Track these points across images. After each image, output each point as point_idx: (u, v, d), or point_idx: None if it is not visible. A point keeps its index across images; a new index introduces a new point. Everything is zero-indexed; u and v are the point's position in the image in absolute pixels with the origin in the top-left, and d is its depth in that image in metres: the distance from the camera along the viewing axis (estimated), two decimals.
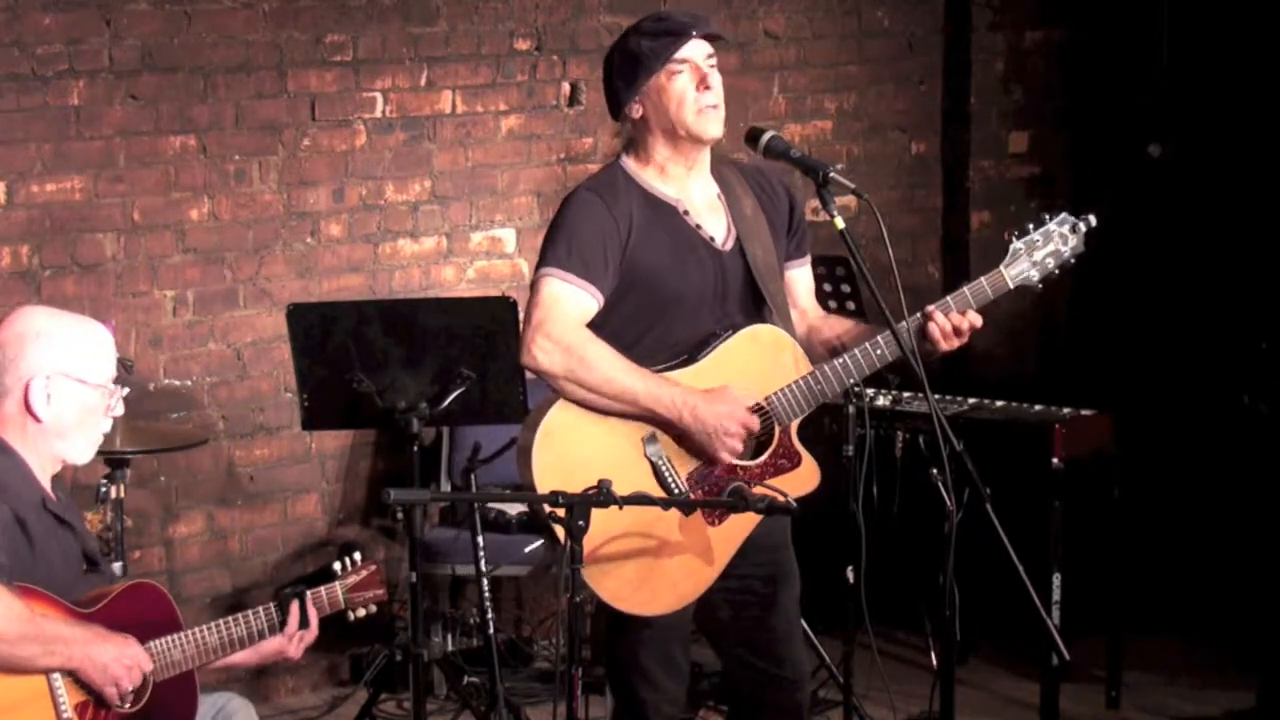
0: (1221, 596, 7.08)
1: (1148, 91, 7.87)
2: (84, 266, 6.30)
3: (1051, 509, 6.18)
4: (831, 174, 4.44)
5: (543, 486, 4.36)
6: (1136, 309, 7.89)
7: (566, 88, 7.18)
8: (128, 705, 4.18)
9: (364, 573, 4.57)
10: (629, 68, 4.47)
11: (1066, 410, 6.34)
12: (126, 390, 4.40)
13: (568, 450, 4.40)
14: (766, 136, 4.56)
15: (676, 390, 4.40)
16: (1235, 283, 7.61)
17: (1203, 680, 6.75)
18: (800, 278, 4.74)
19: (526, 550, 6.41)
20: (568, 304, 4.41)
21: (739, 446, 4.44)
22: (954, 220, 8.13)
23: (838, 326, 4.69)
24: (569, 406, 4.42)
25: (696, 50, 4.49)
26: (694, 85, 4.48)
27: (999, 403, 6.48)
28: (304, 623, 4.44)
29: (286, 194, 6.65)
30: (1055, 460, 6.17)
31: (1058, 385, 7.28)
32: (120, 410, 4.40)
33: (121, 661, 4.15)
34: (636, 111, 4.51)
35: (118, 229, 6.35)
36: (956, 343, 4.52)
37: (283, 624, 4.41)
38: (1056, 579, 6.15)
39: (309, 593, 4.47)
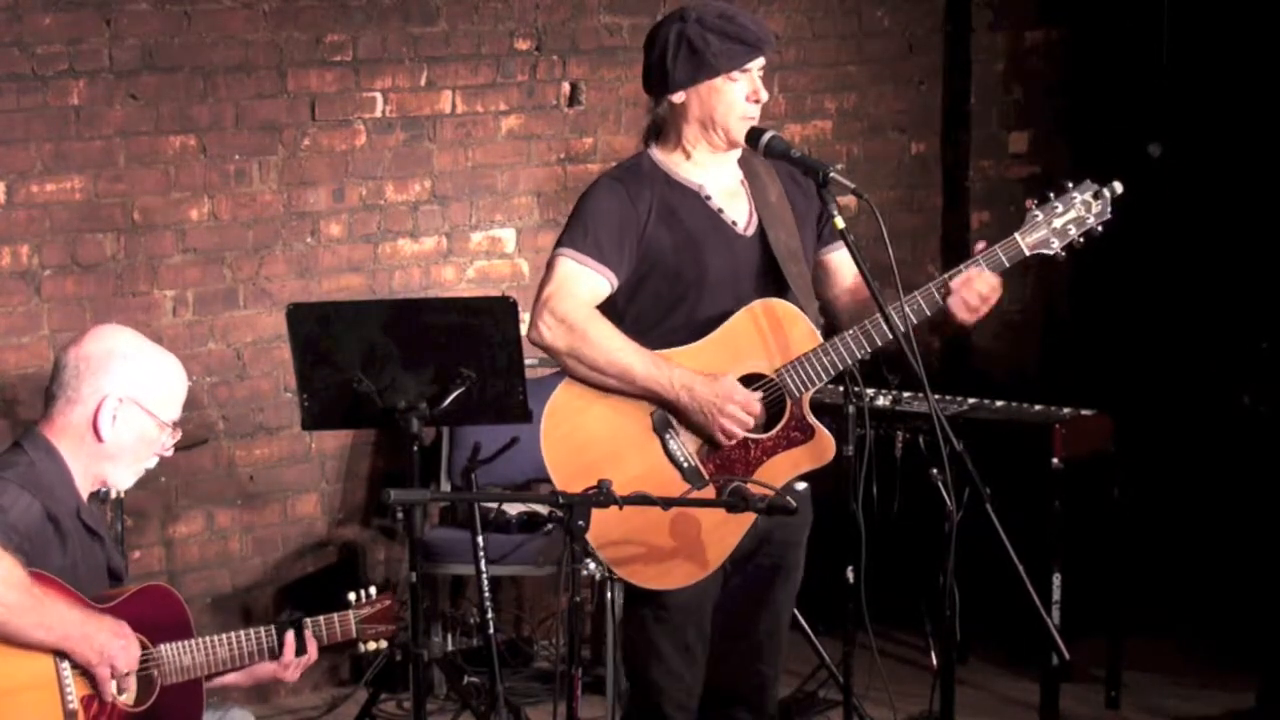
0: (1221, 596, 7.08)
1: (1148, 91, 7.87)
2: (84, 266, 6.30)
3: (1051, 509, 6.18)
4: (832, 174, 4.46)
5: (552, 465, 4.44)
6: (1136, 309, 7.88)
7: (566, 88, 7.18)
8: (124, 696, 4.18)
9: (379, 605, 4.57)
10: (691, 60, 4.50)
11: (1066, 410, 6.34)
12: (180, 435, 4.43)
13: (575, 428, 4.46)
14: (767, 136, 4.57)
15: (676, 371, 4.44)
16: (1235, 283, 7.61)
17: (1203, 680, 6.75)
18: (843, 259, 4.75)
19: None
20: (577, 283, 4.46)
21: (736, 429, 4.46)
22: (954, 220, 8.13)
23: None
24: (574, 384, 4.48)
25: (757, 63, 4.55)
26: (745, 95, 4.53)
27: (999, 403, 6.48)
28: (301, 649, 4.43)
29: (286, 194, 6.65)
30: (1055, 460, 6.17)
31: (1058, 385, 7.28)
32: (170, 453, 4.43)
33: (116, 641, 4.14)
34: (679, 98, 4.54)
35: (118, 229, 6.35)
36: (984, 311, 4.54)
37: (279, 650, 4.42)
38: (1056, 579, 6.15)
39: (310, 620, 4.45)
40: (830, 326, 4.68)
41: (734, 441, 4.49)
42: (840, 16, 7.81)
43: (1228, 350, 7.45)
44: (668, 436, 4.47)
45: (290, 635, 4.41)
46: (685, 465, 4.46)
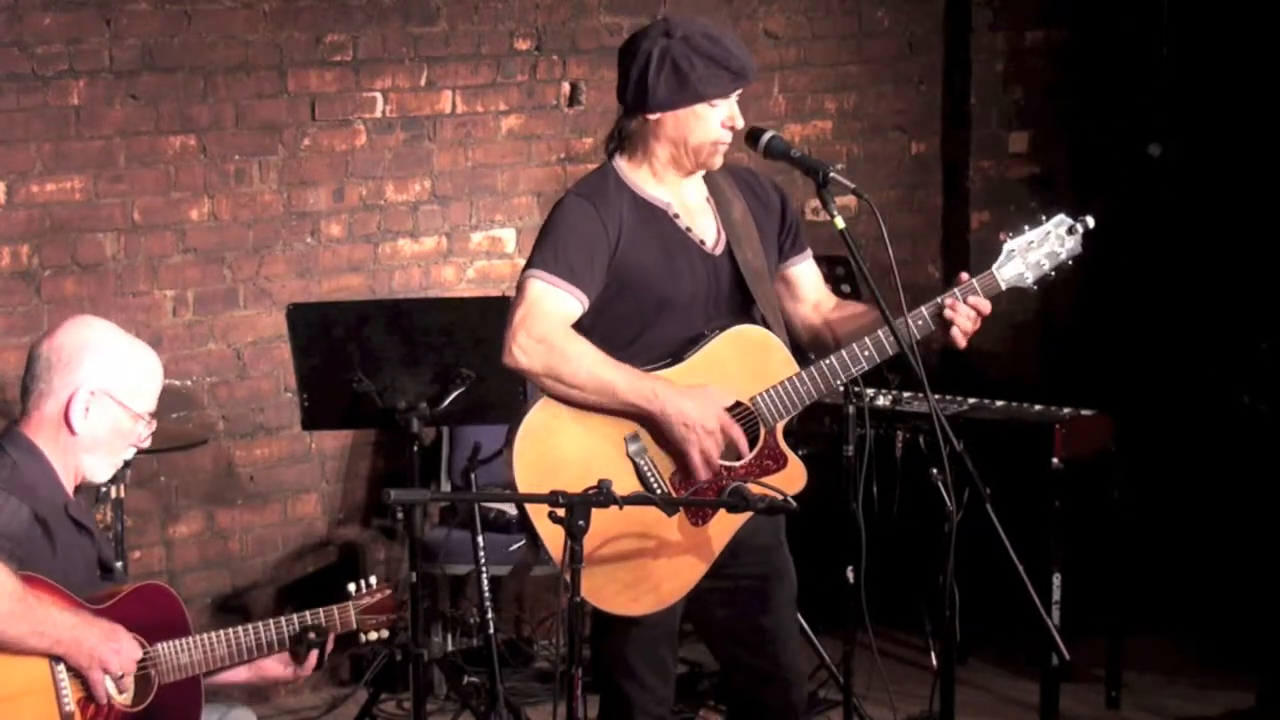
0: (1221, 596, 7.08)
1: (1148, 91, 7.87)
2: (84, 266, 6.30)
3: (1051, 509, 6.18)
4: (832, 174, 4.44)
5: (523, 486, 4.37)
6: (1136, 309, 7.89)
7: (566, 88, 7.18)
8: (122, 696, 4.18)
9: (378, 595, 4.56)
10: (673, 81, 4.44)
11: (1066, 410, 6.34)
12: (155, 426, 4.42)
13: (549, 450, 4.40)
14: (767, 136, 4.56)
15: (658, 383, 4.39)
16: (1235, 283, 7.61)
17: (1203, 680, 6.75)
18: (806, 272, 4.73)
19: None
20: (550, 304, 4.39)
21: (713, 448, 4.43)
22: (954, 220, 8.13)
23: (850, 321, 4.66)
24: (550, 405, 4.41)
25: (738, 91, 4.52)
26: (721, 123, 4.50)
27: (999, 403, 6.48)
28: (320, 663, 4.47)
29: (286, 194, 6.66)
30: (1055, 460, 6.16)
31: (1058, 385, 7.28)
32: (147, 444, 4.43)
33: (108, 645, 4.13)
34: (655, 116, 4.49)
35: (118, 229, 6.35)
36: (973, 330, 4.54)
37: (295, 647, 4.42)
38: (1056, 579, 6.15)
39: (310, 613, 4.46)
40: (792, 343, 4.65)
41: (708, 469, 4.45)
42: (840, 16, 7.81)
43: (1228, 350, 7.45)
44: (641, 462, 4.44)
45: (314, 654, 4.42)
46: (657, 491, 4.43)
